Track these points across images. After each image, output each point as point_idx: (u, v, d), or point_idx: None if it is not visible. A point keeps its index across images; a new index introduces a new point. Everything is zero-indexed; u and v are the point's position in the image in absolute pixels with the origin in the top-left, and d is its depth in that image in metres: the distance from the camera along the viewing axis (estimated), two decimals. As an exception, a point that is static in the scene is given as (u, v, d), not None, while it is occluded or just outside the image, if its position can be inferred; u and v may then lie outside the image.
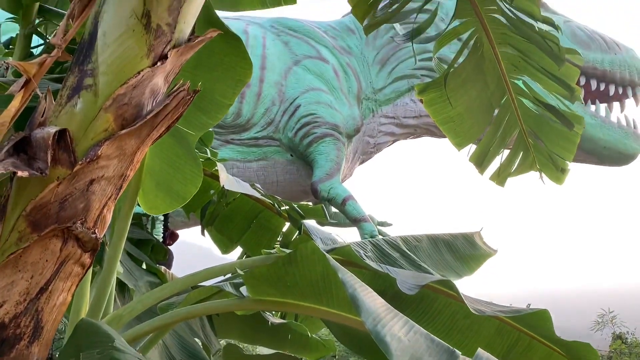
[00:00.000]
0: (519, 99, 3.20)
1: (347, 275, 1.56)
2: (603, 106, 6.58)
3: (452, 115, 3.09)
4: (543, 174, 3.53)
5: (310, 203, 5.67)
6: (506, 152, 3.53)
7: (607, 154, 6.42)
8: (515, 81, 3.13)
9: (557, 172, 3.44)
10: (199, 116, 2.28)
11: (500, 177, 3.54)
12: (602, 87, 6.33)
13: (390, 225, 7.16)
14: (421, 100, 3.04)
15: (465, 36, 2.92)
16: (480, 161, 3.34)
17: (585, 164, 6.82)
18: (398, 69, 7.34)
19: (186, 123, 2.26)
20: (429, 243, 2.90)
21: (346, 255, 2.15)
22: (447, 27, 2.85)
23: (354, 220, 6.49)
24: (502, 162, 3.48)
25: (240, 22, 7.11)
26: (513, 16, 2.65)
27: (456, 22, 2.91)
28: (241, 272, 2.06)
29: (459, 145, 3.26)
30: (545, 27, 2.63)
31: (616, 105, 6.67)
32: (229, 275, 2.47)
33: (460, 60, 2.98)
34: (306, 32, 7.21)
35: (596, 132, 6.37)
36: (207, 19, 2.05)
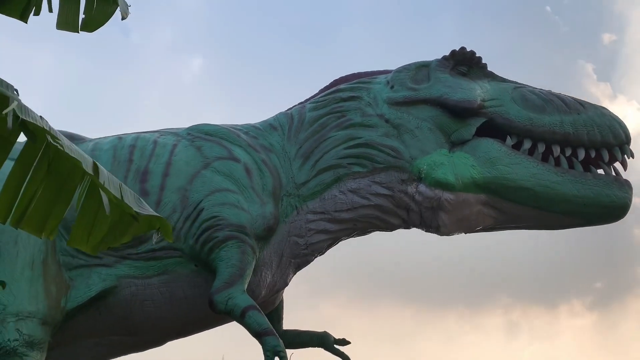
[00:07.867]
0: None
1: None
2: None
3: None
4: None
5: None
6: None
7: (591, 212, 5.23)
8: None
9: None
10: None
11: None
12: (568, 152, 5.24)
13: (348, 343, 6.04)
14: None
15: None
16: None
17: (572, 228, 5.54)
18: (322, 160, 6.61)
19: None
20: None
21: None
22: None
23: (256, 334, 5.44)
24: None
25: (154, 134, 6.88)
26: None
27: None
28: None
29: None
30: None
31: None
32: None
33: None
34: (221, 134, 6.80)
35: (569, 189, 5.22)
36: None
